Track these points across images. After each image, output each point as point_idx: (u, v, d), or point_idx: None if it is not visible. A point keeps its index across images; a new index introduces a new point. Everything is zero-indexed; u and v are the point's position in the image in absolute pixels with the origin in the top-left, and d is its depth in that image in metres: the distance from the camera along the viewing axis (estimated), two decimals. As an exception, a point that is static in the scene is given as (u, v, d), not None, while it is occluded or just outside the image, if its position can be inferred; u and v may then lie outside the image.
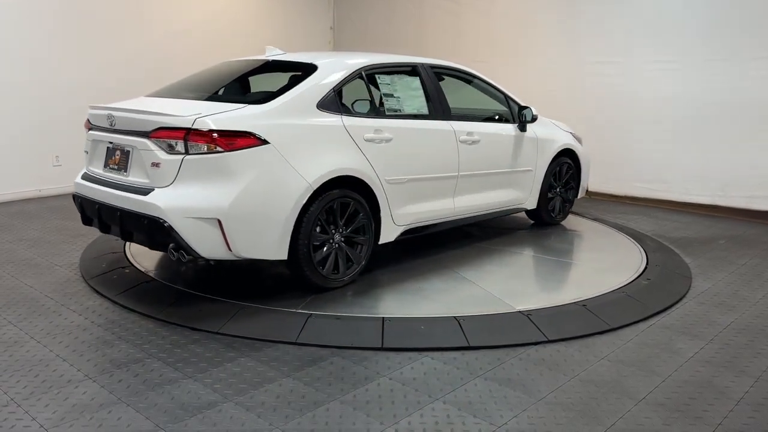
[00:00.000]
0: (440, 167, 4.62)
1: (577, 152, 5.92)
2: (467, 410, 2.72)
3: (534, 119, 5.35)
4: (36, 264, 4.65)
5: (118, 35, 7.52)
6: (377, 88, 4.39)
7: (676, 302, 4.10)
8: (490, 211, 5.21)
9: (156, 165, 3.56)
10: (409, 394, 2.85)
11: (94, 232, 5.32)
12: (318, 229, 3.85)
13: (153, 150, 3.57)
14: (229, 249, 3.53)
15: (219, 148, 3.46)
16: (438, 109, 4.66)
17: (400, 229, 4.41)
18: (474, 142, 4.82)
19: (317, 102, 3.93)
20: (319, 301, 3.85)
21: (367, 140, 4.09)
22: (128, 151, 3.78)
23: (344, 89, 4.16)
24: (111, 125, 3.90)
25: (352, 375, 3.02)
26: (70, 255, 4.88)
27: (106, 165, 3.98)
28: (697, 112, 6.72)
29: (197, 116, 3.49)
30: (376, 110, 4.34)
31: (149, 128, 3.61)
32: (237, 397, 2.78)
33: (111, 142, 3.93)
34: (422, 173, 4.47)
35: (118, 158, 3.86)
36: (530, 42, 7.96)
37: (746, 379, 3.07)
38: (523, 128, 5.32)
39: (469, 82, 5.21)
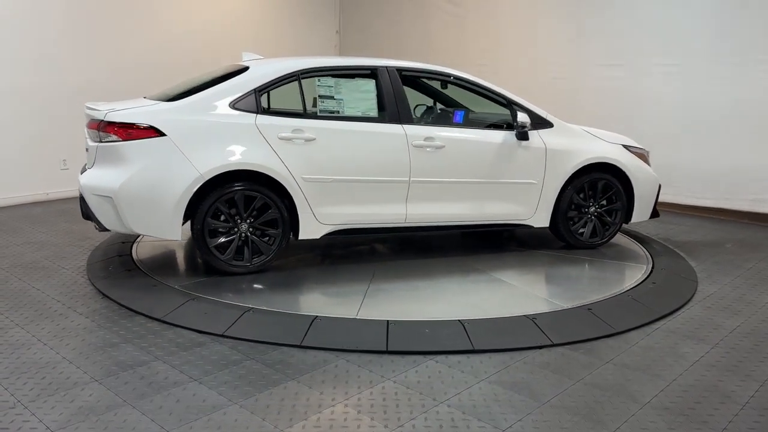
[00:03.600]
0: (381, 171, 4.47)
1: (623, 168, 5.07)
2: (472, 414, 2.72)
3: (525, 126, 4.71)
4: (43, 267, 4.68)
5: (125, 38, 7.56)
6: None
7: (682, 306, 4.08)
8: (471, 223, 4.83)
9: (87, 150, 4.33)
10: (414, 398, 2.85)
11: (100, 236, 5.36)
12: (222, 217, 4.20)
13: (88, 138, 4.32)
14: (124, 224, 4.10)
15: (119, 138, 4.05)
16: (393, 112, 4.54)
17: (327, 228, 4.45)
18: (436, 148, 4.56)
19: (231, 101, 4.25)
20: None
21: (282, 139, 4.24)
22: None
23: (276, 90, 4.46)
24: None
25: (357, 378, 3.03)
26: (76, 258, 4.91)
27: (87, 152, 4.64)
28: (703, 114, 6.70)
29: (109, 111, 4.13)
30: (304, 111, 4.44)
31: (88, 121, 4.32)
32: (241, 400, 2.80)
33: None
34: (354, 175, 4.41)
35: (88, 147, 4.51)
36: (535, 45, 7.96)
37: (752, 384, 3.06)
38: (522, 136, 4.76)
39: (460, 86, 4.92)
